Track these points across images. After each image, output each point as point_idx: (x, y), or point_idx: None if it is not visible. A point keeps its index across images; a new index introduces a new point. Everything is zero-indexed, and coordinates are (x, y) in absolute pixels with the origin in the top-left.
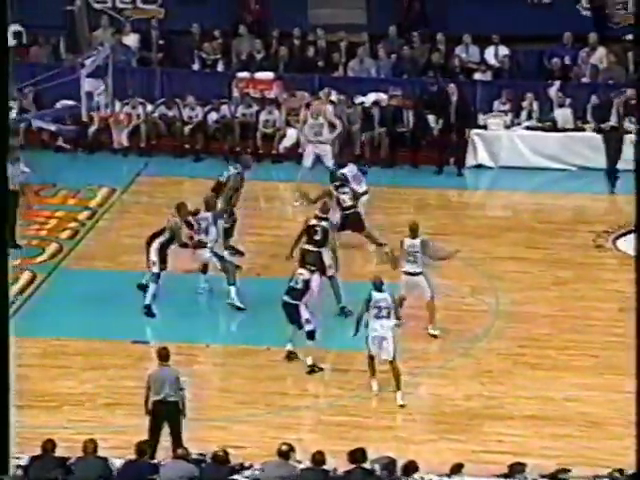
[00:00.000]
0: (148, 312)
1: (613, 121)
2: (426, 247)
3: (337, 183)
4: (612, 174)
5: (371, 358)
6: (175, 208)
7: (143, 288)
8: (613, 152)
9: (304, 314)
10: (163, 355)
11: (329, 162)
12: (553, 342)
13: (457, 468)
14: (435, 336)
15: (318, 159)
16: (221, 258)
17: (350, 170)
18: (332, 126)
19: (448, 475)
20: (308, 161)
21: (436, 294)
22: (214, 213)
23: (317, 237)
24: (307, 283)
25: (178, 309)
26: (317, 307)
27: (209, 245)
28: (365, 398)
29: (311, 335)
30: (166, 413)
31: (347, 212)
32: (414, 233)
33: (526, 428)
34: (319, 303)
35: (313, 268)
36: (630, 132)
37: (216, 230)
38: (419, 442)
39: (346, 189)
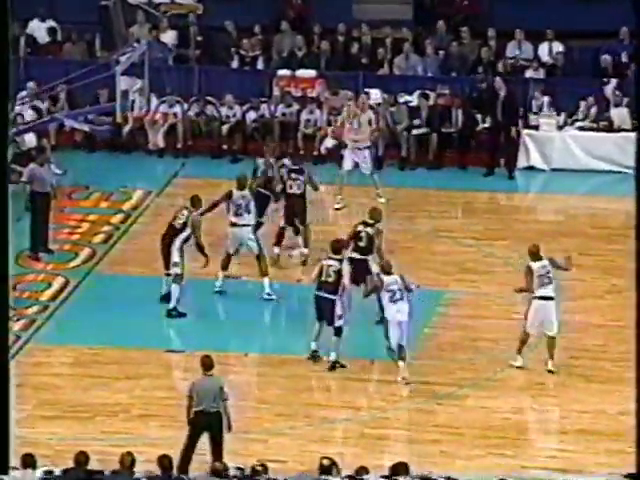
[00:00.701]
0: (177, 314)
1: None
2: (555, 263)
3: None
4: None
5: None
6: (190, 202)
7: (167, 299)
8: None
9: (338, 309)
10: (207, 364)
11: (367, 169)
12: (607, 353)
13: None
14: (551, 372)
15: (357, 166)
16: (259, 243)
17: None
18: (370, 130)
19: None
20: (348, 164)
21: (487, 302)
22: (250, 191)
23: (362, 244)
24: (339, 273)
25: (212, 316)
26: (357, 315)
27: (251, 224)
28: (409, 410)
29: (339, 331)
30: (207, 424)
31: (293, 200)
32: (537, 255)
33: (578, 443)
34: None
35: (339, 257)
36: None
37: (254, 210)
38: (465, 457)
39: (299, 177)
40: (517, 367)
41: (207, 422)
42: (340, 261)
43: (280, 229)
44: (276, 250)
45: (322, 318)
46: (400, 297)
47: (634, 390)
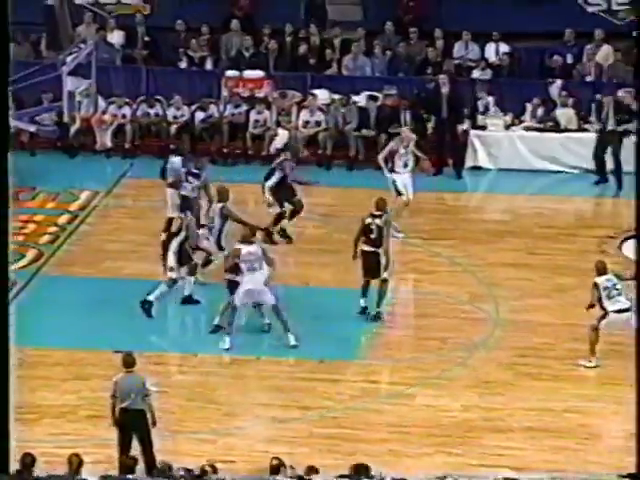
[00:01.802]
0: (148, 308)
1: (610, 122)
2: (621, 277)
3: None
4: (617, 176)
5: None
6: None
7: (188, 301)
8: (614, 153)
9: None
10: (128, 362)
11: (410, 190)
12: (554, 352)
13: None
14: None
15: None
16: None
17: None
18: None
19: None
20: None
21: (434, 301)
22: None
23: (373, 236)
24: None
25: (161, 317)
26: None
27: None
28: (357, 410)
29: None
30: (132, 422)
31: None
32: (603, 270)
33: (525, 441)
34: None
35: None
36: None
37: (220, 222)
38: (414, 456)
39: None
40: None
41: (131, 419)
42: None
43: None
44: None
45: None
46: (258, 267)
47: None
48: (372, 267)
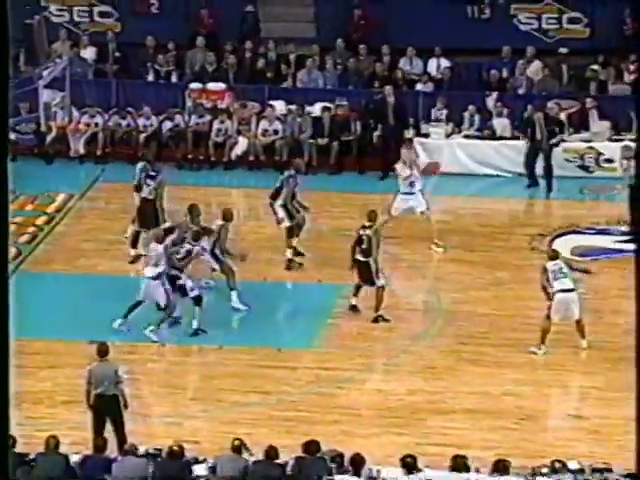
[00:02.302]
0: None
1: (538, 132)
2: (572, 266)
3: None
4: (547, 180)
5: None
6: (188, 211)
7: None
8: (546, 159)
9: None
10: (102, 351)
11: (423, 208)
12: (491, 339)
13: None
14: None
15: (411, 210)
16: (219, 261)
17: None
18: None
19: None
20: (396, 212)
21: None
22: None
23: (364, 246)
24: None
25: (139, 310)
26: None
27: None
28: (313, 394)
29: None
30: (106, 407)
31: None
32: (554, 257)
33: (466, 421)
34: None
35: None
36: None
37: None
38: (364, 436)
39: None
40: (542, 354)
41: (105, 404)
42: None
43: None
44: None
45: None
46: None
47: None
48: (365, 275)
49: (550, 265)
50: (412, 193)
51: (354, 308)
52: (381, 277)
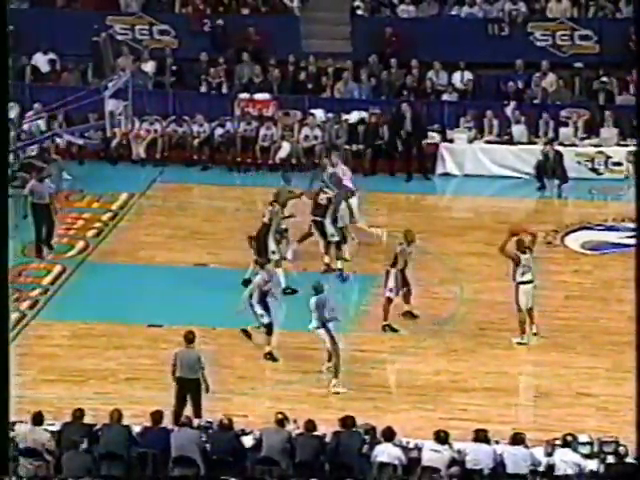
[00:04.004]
0: (290, 291)
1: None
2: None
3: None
4: (561, 182)
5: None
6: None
7: (246, 283)
8: (558, 163)
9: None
10: (189, 338)
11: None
12: (508, 325)
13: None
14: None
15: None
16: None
17: None
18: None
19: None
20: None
21: (412, 285)
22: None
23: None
24: None
25: (186, 296)
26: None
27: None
28: (348, 373)
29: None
30: (187, 388)
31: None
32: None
33: (485, 399)
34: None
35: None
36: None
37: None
38: (395, 411)
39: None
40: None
41: (186, 387)
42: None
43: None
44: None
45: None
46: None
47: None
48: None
49: (524, 259)
50: None
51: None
52: (394, 291)
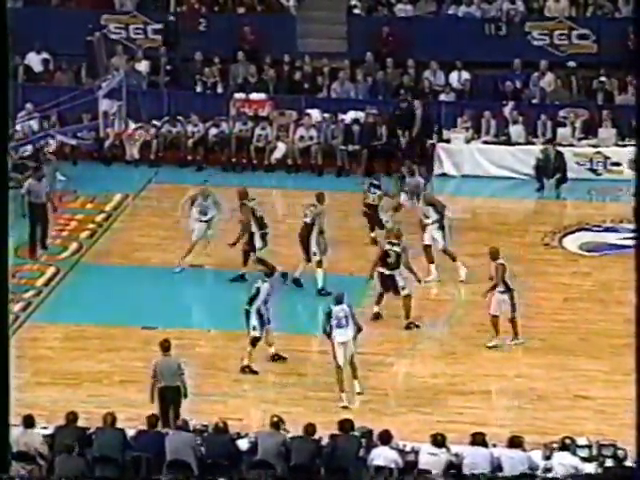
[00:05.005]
0: (325, 293)
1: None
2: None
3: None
4: (560, 182)
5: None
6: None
7: (298, 283)
8: (560, 163)
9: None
10: (165, 346)
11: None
12: (506, 327)
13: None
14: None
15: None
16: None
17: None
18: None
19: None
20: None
21: (409, 286)
22: None
23: (390, 260)
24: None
25: (180, 298)
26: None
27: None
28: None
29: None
30: (170, 396)
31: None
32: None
33: (483, 401)
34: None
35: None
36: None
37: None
38: (391, 414)
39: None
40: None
41: (169, 395)
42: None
43: None
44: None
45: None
46: (345, 324)
47: (575, 364)
48: (390, 287)
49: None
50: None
51: (377, 316)
52: (407, 287)
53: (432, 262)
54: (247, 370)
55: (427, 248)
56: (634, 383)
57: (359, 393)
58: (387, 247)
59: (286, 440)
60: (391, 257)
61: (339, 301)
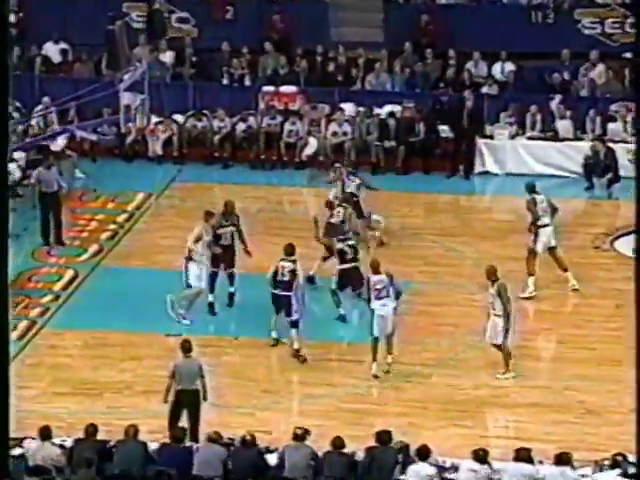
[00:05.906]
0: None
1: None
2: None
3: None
4: (612, 181)
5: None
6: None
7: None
8: (611, 161)
9: (294, 304)
10: (186, 347)
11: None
12: (554, 336)
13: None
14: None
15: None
16: None
17: None
18: None
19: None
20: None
21: (448, 291)
22: None
23: (349, 256)
24: (293, 273)
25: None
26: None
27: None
28: (380, 387)
29: (296, 324)
30: (188, 401)
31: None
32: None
33: (529, 415)
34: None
35: (293, 259)
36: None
37: None
38: (431, 428)
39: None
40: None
41: (187, 399)
42: (294, 262)
43: None
44: None
45: (279, 312)
46: (386, 294)
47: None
48: (351, 280)
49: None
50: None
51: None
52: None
53: (532, 274)
54: (297, 355)
55: (532, 255)
56: None
57: (387, 371)
58: (339, 245)
59: (314, 453)
60: (349, 253)
61: (376, 271)
